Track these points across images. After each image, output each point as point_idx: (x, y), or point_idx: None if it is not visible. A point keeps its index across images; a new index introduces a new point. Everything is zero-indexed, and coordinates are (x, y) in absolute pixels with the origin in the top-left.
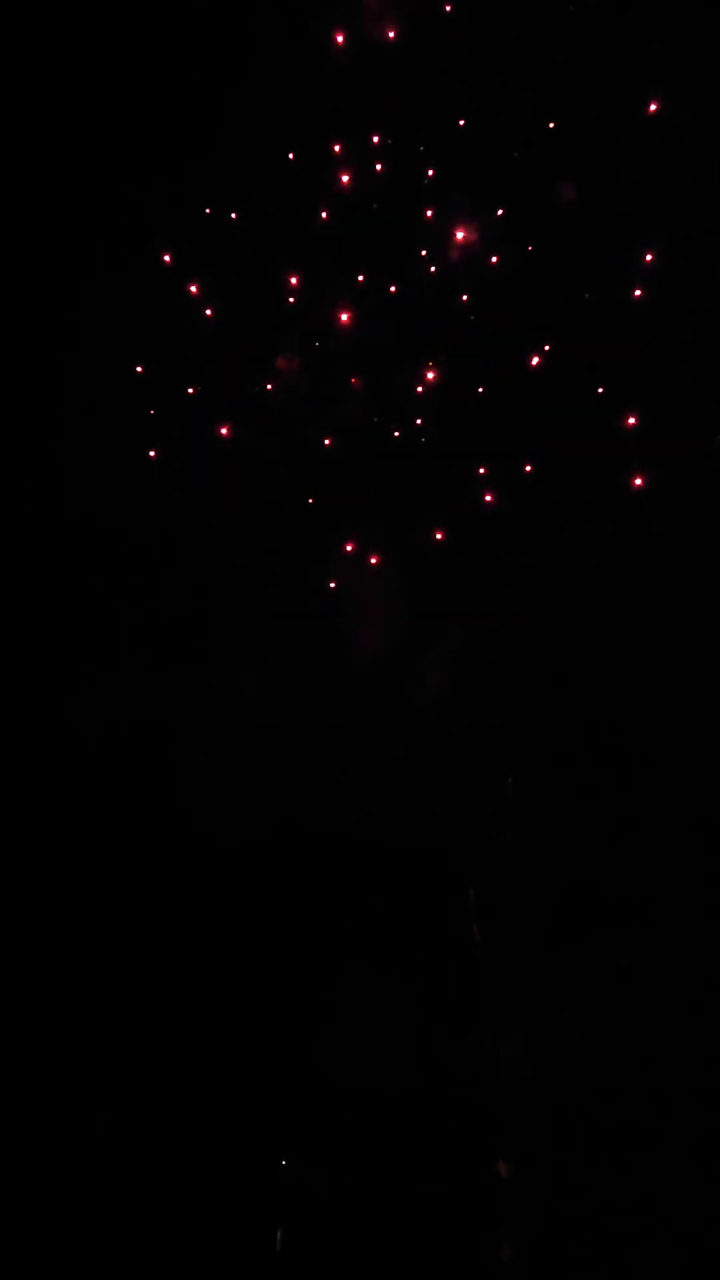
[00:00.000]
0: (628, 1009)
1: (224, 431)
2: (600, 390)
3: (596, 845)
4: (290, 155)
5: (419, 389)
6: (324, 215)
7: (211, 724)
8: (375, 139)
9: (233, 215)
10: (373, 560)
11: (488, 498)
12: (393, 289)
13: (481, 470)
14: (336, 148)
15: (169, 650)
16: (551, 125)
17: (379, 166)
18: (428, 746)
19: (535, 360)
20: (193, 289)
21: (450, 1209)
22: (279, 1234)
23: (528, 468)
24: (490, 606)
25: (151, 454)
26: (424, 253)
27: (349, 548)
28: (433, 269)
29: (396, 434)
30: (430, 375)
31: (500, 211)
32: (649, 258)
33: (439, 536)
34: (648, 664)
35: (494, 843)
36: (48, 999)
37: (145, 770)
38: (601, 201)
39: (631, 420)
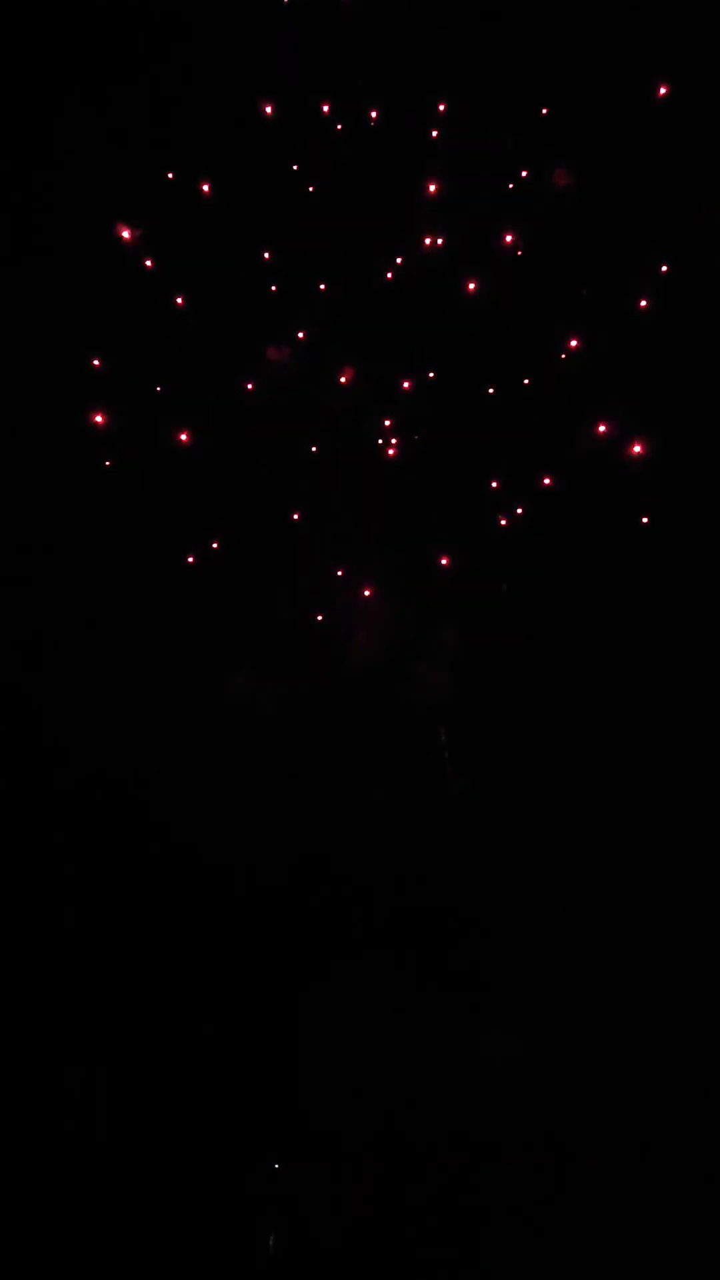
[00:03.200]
0: (625, 1010)
1: (198, 436)
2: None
3: (595, 849)
4: (268, 109)
5: (413, 392)
6: (310, 190)
7: (207, 730)
8: (370, 111)
9: (204, 188)
10: (366, 592)
11: (502, 522)
12: (389, 275)
13: (494, 484)
14: (325, 108)
15: (164, 656)
16: (545, 111)
17: (373, 114)
18: (425, 751)
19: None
20: (148, 263)
21: (446, 1211)
22: (272, 1238)
23: (546, 480)
24: (490, 613)
25: (107, 463)
26: (423, 235)
27: (339, 573)
28: (438, 241)
29: (395, 441)
30: (430, 375)
31: (510, 186)
32: (662, 268)
33: (443, 561)
34: (648, 669)
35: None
36: (45, 1001)
37: (143, 776)
38: (605, 200)
39: (638, 448)
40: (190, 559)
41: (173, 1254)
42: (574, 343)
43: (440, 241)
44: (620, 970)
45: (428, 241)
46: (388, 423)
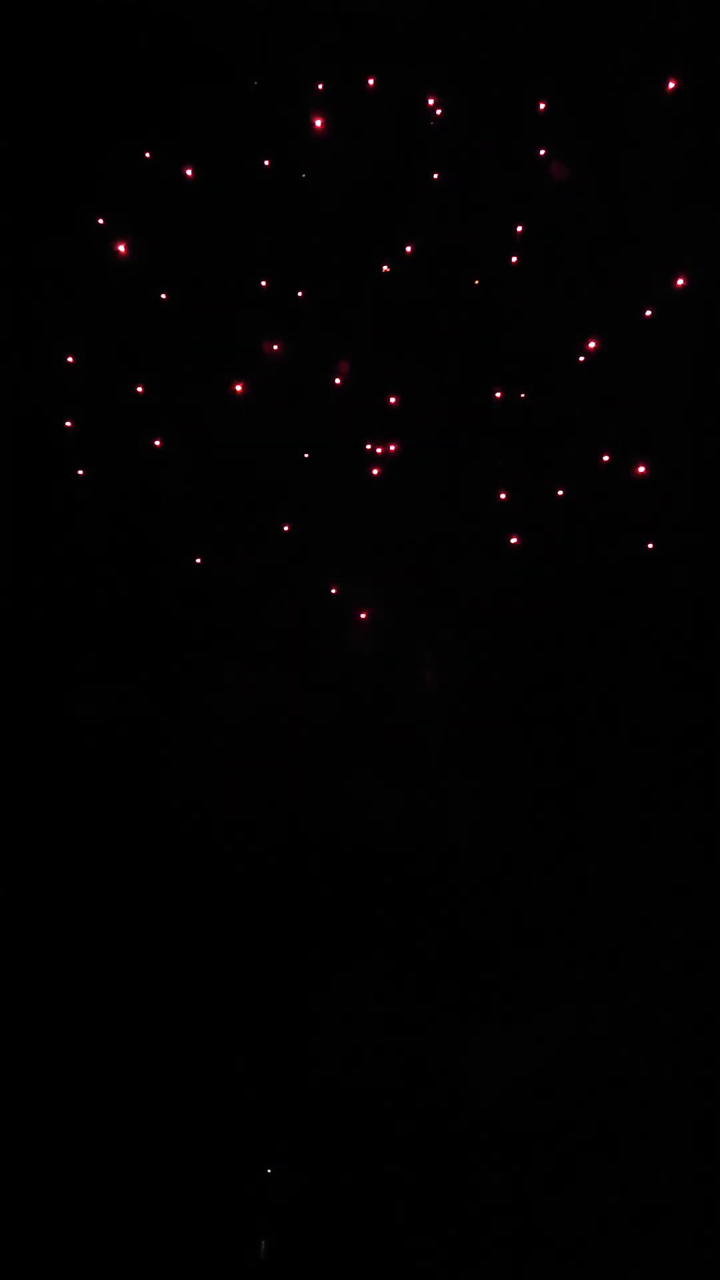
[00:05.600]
0: (621, 1014)
1: (181, 440)
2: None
3: (592, 852)
4: (255, 82)
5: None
6: (303, 176)
7: (206, 725)
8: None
9: (187, 172)
10: (362, 615)
11: (513, 541)
12: (385, 268)
13: (502, 496)
14: (320, 86)
15: (162, 652)
16: (543, 107)
17: (370, 81)
18: (423, 748)
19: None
20: (121, 248)
21: (441, 1214)
22: (263, 1244)
23: (560, 492)
24: (488, 608)
25: (80, 472)
26: (420, 230)
27: (333, 591)
28: (435, 236)
29: (393, 448)
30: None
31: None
32: (679, 282)
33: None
34: (648, 672)
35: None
36: (41, 998)
37: (142, 772)
38: (607, 197)
39: (641, 470)
40: (173, 571)
41: (165, 1257)
42: (589, 345)
43: (437, 236)
44: (619, 972)
45: (409, 249)
46: (375, 441)
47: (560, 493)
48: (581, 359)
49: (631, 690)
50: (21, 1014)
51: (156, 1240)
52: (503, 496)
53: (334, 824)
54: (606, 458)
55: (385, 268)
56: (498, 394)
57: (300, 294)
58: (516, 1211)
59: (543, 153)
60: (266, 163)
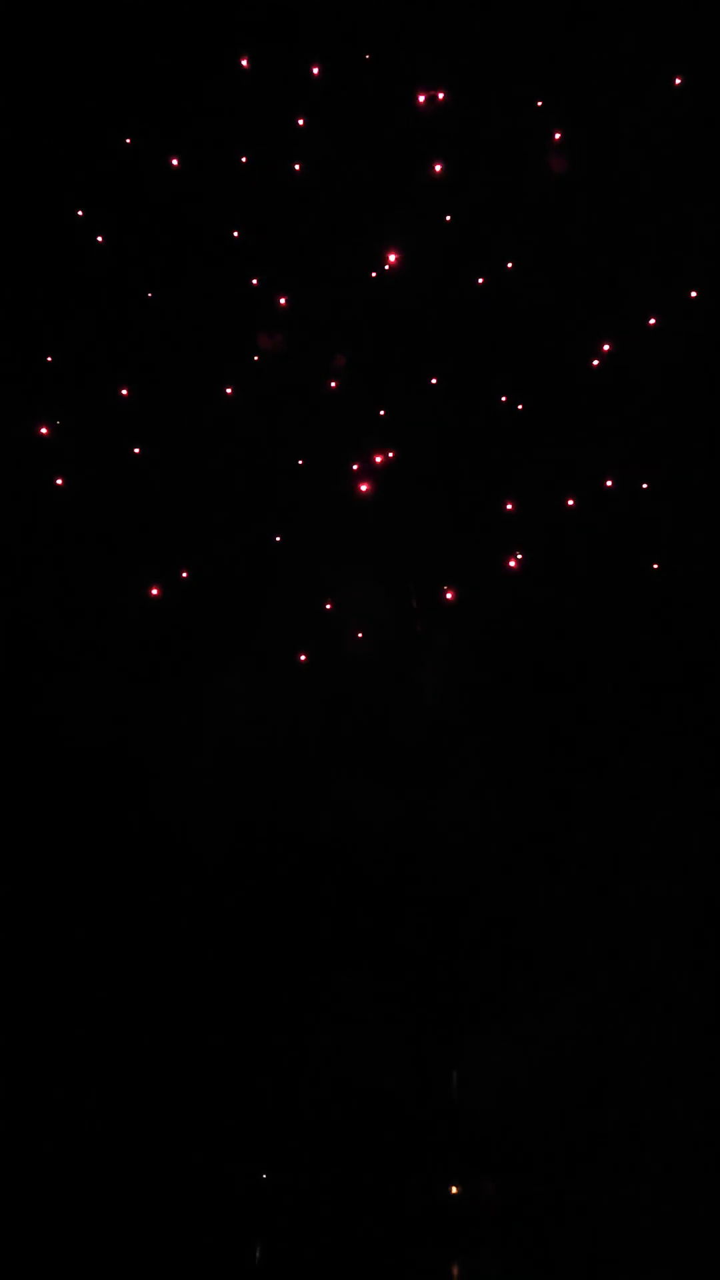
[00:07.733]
0: (618, 1016)
1: (162, 447)
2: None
3: (591, 855)
4: (243, 62)
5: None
6: (296, 168)
7: (204, 732)
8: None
9: (173, 162)
10: (359, 635)
11: (513, 562)
12: (386, 266)
13: (508, 506)
14: (315, 70)
15: (161, 657)
16: (540, 104)
17: (367, 54)
18: (421, 754)
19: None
20: (100, 237)
21: (437, 1219)
22: (258, 1248)
23: (570, 501)
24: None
25: (59, 481)
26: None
27: (328, 607)
28: (448, 216)
29: (391, 455)
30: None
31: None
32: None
33: (449, 596)
34: (647, 672)
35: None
36: (38, 1002)
37: (134, 782)
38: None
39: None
40: (155, 591)
41: (160, 1262)
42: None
43: (437, 235)
44: (615, 976)
45: (393, 255)
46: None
47: (571, 502)
48: (595, 361)
49: (630, 698)
50: (22, 1014)
51: (157, 1240)
52: (509, 507)
53: (332, 828)
54: (610, 482)
55: (384, 267)
56: (503, 398)
57: (295, 295)
58: (513, 1212)
59: (558, 136)
60: (244, 159)
